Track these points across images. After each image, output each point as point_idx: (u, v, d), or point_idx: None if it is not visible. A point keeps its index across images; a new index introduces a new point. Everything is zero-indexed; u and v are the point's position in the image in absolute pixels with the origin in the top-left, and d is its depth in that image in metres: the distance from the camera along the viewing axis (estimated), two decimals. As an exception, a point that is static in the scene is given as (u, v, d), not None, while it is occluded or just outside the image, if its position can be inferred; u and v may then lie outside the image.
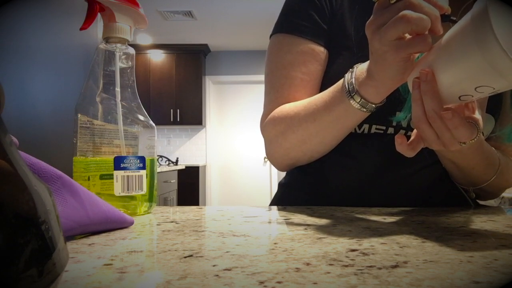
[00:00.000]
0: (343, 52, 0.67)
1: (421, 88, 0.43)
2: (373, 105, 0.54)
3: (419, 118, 0.45)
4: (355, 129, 0.66)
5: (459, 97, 0.41)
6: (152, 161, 0.57)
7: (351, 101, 0.55)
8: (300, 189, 0.74)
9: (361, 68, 0.54)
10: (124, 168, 0.53)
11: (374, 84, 0.51)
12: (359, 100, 0.54)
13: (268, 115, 0.70)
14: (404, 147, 0.48)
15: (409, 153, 0.48)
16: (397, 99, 0.58)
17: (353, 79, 0.54)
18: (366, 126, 0.66)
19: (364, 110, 0.55)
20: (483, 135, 0.63)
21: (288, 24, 0.69)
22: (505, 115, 0.67)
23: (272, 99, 0.70)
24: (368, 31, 0.46)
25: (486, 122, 0.65)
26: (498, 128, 0.66)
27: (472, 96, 0.41)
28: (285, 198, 0.76)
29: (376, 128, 0.66)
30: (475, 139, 0.45)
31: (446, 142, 0.45)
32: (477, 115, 0.46)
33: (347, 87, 0.55)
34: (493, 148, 0.63)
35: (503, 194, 0.95)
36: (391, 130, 0.66)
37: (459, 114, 0.43)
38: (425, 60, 0.44)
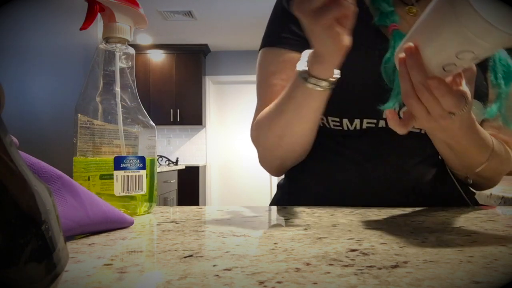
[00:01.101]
0: None
1: (407, 63, 0.44)
2: (325, 81, 0.57)
3: (408, 93, 0.46)
4: (347, 126, 0.67)
5: (443, 68, 0.43)
6: (152, 161, 0.57)
7: (305, 83, 0.58)
8: (299, 189, 0.74)
9: (310, 52, 0.57)
10: (124, 168, 0.53)
11: (318, 60, 0.55)
12: (311, 79, 0.57)
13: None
14: (395, 122, 0.49)
15: (401, 130, 0.49)
16: (382, 89, 0.60)
17: (305, 62, 0.58)
18: (357, 122, 0.67)
19: (320, 88, 0.58)
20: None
21: (270, 38, 0.74)
22: (491, 96, 0.67)
23: (257, 108, 0.74)
24: (294, 9, 0.50)
25: (474, 107, 0.65)
26: (485, 111, 0.66)
27: (456, 65, 0.42)
28: (284, 199, 0.76)
29: (367, 123, 0.67)
30: (465, 110, 0.47)
31: (436, 115, 0.46)
32: (465, 87, 0.47)
33: (300, 75, 0.58)
34: (485, 131, 0.63)
35: (503, 194, 0.95)
36: (382, 123, 0.66)
37: (445, 83, 0.44)
38: (408, 37, 0.46)
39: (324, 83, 0.57)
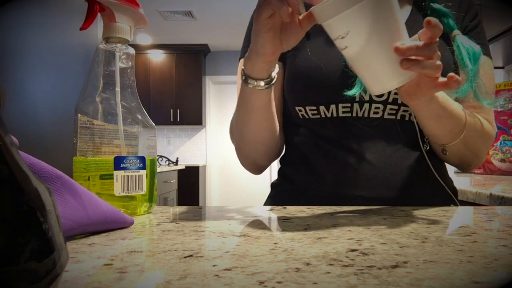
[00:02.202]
0: (295, 53, 0.73)
1: (415, 54, 0.46)
2: (257, 81, 0.61)
3: (433, 67, 0.48)
4: (324, 113, 0.71)
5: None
6: (152, 161, 0.57)
7: (246, 84, 0.62)
8: (290, 187, 0.75)
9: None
10: (124, 168, 0.53)
11: (248, 55, 0.59)
12: (246, 78, 0.61)
13: None
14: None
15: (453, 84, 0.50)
16: (346, 75, 0.65)
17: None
18: (333, 107, 0.70)
19: (261, 86, 0.61)
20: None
21: (244, 49, 0.78)
22: (462, 77, 0.70)
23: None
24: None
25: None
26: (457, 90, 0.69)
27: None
28: (276, 198, 0.78)
29: (342, 107, 0.70)
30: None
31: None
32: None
33: (241, 75, 0.63)
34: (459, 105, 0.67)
35: (503, 194, 0.95)
36: (356, 107, 0.69)
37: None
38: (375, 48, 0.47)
39: (254, 82, 0.61)
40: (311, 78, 0.70)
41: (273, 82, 0.62)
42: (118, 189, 0.52)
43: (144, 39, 5.12)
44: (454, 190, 0.76)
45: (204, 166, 5.52)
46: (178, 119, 5.29)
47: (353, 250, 0.34)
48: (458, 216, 0.52)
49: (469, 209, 0.61)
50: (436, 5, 0.72)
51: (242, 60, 0.79)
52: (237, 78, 0.80)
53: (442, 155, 0.73)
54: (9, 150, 0.18)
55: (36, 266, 0.17)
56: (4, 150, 0.18)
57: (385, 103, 0.69)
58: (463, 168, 0.76)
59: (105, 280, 0.27)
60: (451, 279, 0.26)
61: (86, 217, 0.41)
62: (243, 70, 0.62)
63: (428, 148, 0.72)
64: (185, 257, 0.32)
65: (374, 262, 0.30)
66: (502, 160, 1.60)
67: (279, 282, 0.26)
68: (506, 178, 1.47)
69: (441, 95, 0.62)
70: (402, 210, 0.58)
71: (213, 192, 5.79)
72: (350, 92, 0.63)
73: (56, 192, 0.40)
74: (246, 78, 0.61)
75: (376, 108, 0.69)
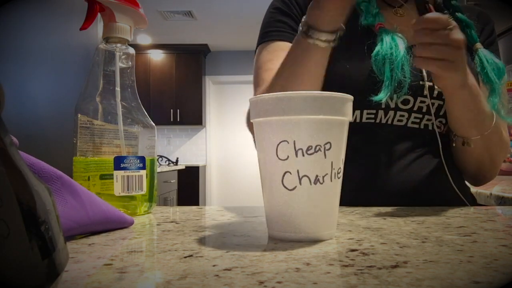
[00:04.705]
0: None
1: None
2: (324, 34, 0.56)
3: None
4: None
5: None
6: (152, 161, 0.57)
7: (305, 38, 0.57)
8: None
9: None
10: (124, 168, 0.53)
11: (316, 6, 0.54)
12: (311, 31, 0.56)
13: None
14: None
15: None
16: (373, 80, 0.62)
17: (304, 17, 0.58)
18: (357, 113, 0.68)
19: (323, 41, 0.57)
20: None
21: (264, 35, 0.75)
22: (484, 93, 0.70)
23: (254, 93, 0.74)
24: None
25: None
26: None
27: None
28: None
29: (367, 114, 0.68)
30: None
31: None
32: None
33: (300, 27, 0.58)
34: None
35: (503, 194, 0.95)
36: (381, 114, 0.68)
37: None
38: None
39: (323, 36, 0.56)
40: (336, 82, 0.66)
41: (336, 38, 0.57)
42: (118, 189, 0.52)
43: (144, 39, 5.12)
44: (473, 198, 0.75)
45: (204, 166, 5.52)
46: (178, 119, 5.29)
47: (353, 250, 0.34)
48: (458, 216, 0.52)
49: (469, 209, 0.61)
50: (460, 15, 0.70)
51: (261, 46, 0.75)
52: (256, 65, 0.74)
53: (462, 160, 0.71)
54: (9, 150, 0.18)
55: (36, 266, 0.17)
56: (4, 150, 0.18)
57: (410, 111, 0.68)
58: (479, 179, 0.75)
59: (105, 280, 0.27)
60: (451, 279, 0.26)
61: (86, 217, 0.41)
62: (305, 21, 0.57)
63: (454, 145, 0.71)
64: (185, 257, 0.32)
65: (374, 262, 0.30)
66: (502, 160, 1.60)
67: (279, 282, 0.26)
68: (506, 178, 1.47)
69: (476, 90, 0.61)
70: (402, 210, 0.58)
71: (213, 192, 5.79)
72: (377, 98, 0.60)
73: (56, 192, 0.40)
74: (308, 29, 0.55)
75: (400, 116, 0.68)
